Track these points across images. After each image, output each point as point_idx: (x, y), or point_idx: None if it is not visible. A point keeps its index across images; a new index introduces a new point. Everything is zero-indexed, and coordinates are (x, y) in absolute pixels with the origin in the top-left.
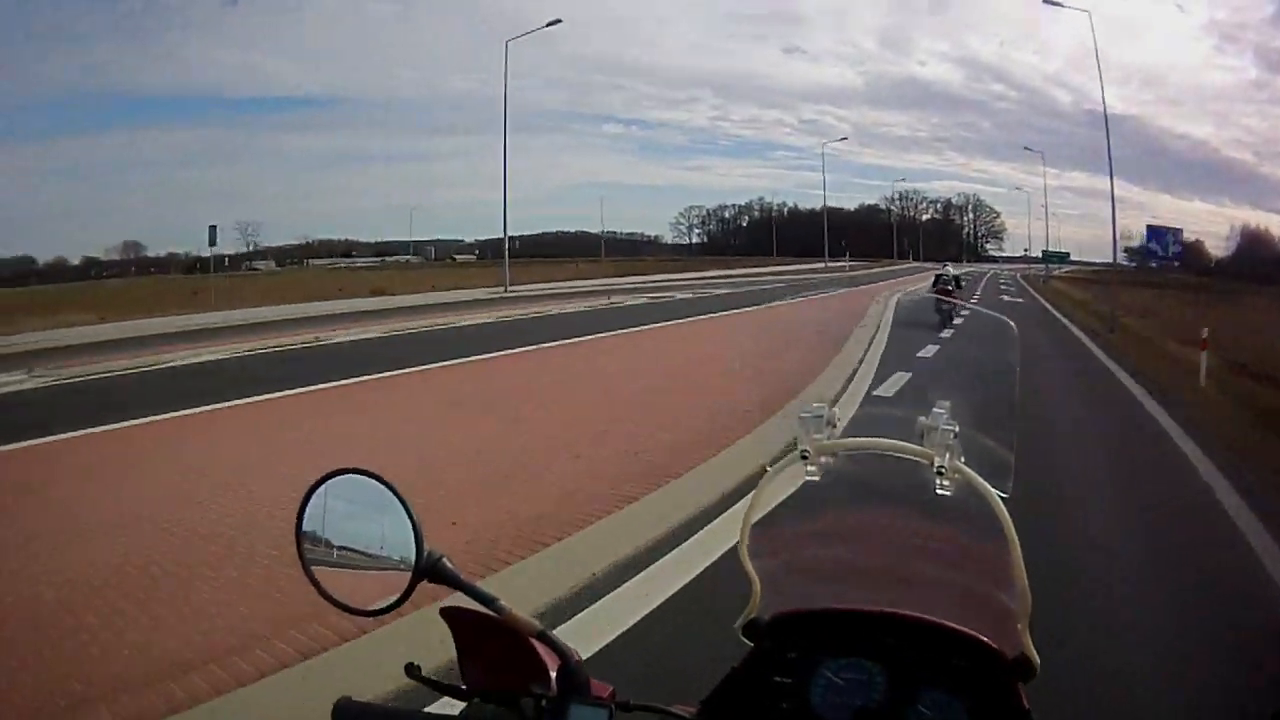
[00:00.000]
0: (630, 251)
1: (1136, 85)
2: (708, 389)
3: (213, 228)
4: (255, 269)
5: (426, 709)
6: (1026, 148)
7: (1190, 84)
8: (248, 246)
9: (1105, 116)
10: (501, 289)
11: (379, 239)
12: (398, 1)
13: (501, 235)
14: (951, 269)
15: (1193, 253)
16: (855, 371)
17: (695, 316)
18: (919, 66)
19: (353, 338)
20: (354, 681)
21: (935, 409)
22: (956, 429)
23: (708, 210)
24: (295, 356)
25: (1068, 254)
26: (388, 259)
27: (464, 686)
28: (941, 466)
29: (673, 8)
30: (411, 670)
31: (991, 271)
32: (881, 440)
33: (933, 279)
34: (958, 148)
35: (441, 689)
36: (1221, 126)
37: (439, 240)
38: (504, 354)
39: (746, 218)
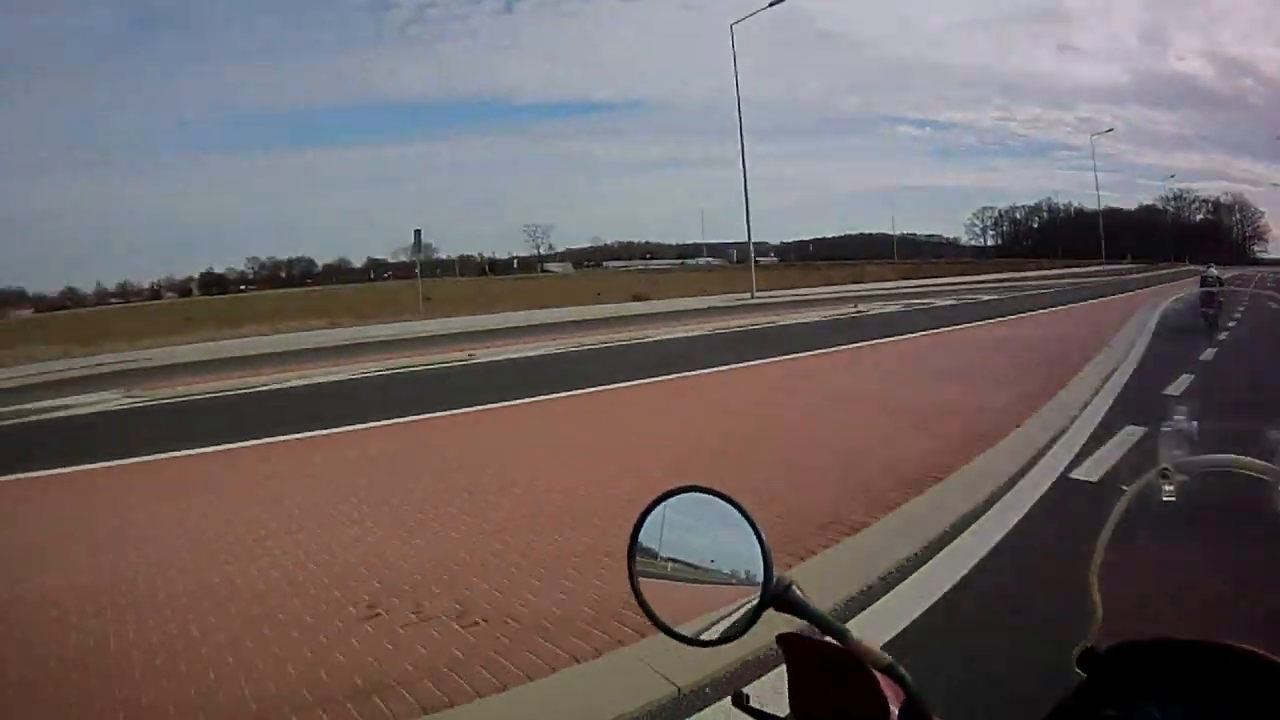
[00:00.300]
0: (931, 253)
1: None
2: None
3: (417, 232)
4: (549, 270)
5: None
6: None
7: None
8: (536, 249)
9: None
10: (748, 295)
11: (681, 241)
12: (683, 8)
13: (800, 239)
14: (1215, 269)
15: None
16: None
17: (919, 332)
18: (1178, 62)
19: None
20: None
21: None
22: None
23: (999, 211)
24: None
25: None
26: (686, 262)
27: (791, 717)
28: None
29: (950, 6)
30: (739, 700)
31: (1259, 276)
32: (1247, 459)
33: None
34: (1221, 145)
35: None
36: None
37: (740, 243)
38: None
39: (1036, 219)
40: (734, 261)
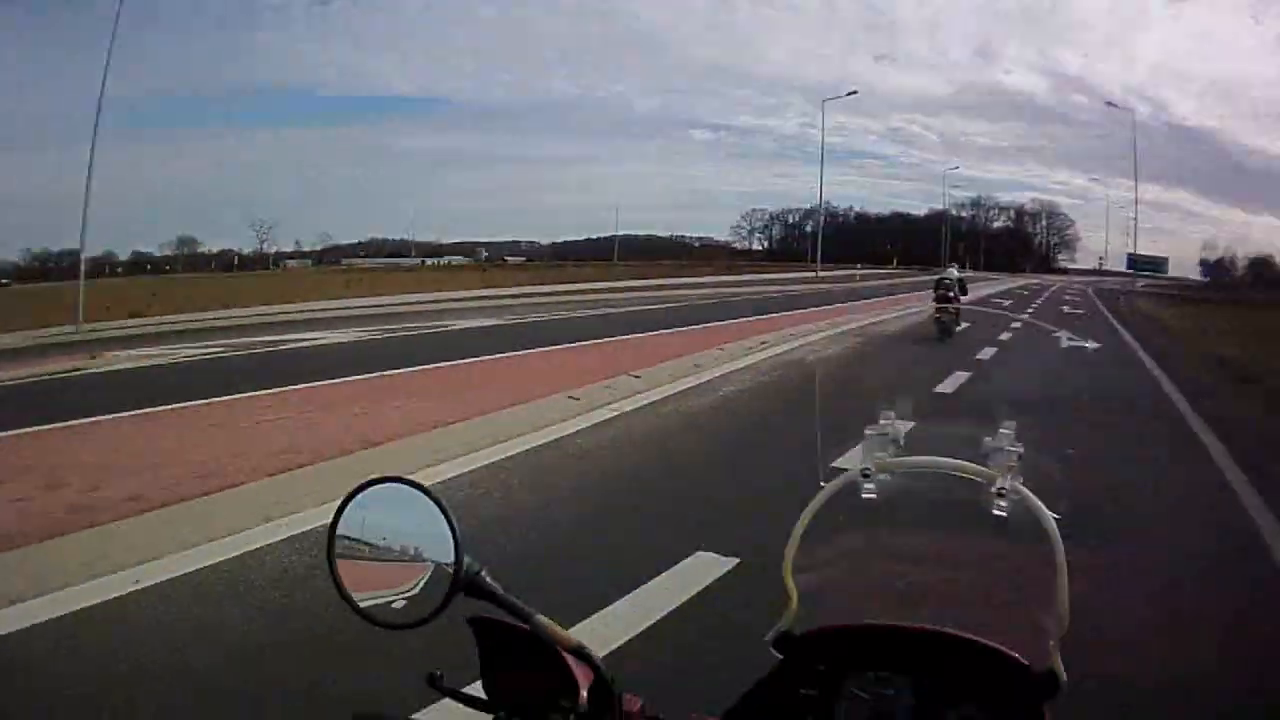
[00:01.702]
0: (699, 256)
1: (1213, 98)
2: None
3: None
4: (287, 266)
5: None
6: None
7: (1270, 97)
8: (260, 245)
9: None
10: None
11: (447, 240)
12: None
13: (581, 239)
14: (955, 272)
15: (1266, 267)
16: None
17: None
18: (1005, 75)
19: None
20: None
21: (1001, 429)
22: (1021, 450)
23: (770, 214)
24: None
25: (1164, 260)
26: (437, 260)
27: (486, 698)
28: (1003, 488)
29: (771, 14)
30: (434, 680)
31: (1059, 284)
32: (946, 460)
33: (934, 284)
34: (1039, 159)
35: (465, 700)
36: None
37: (498, 242)
38: None
39: (810, 222)
40: (482, 259)
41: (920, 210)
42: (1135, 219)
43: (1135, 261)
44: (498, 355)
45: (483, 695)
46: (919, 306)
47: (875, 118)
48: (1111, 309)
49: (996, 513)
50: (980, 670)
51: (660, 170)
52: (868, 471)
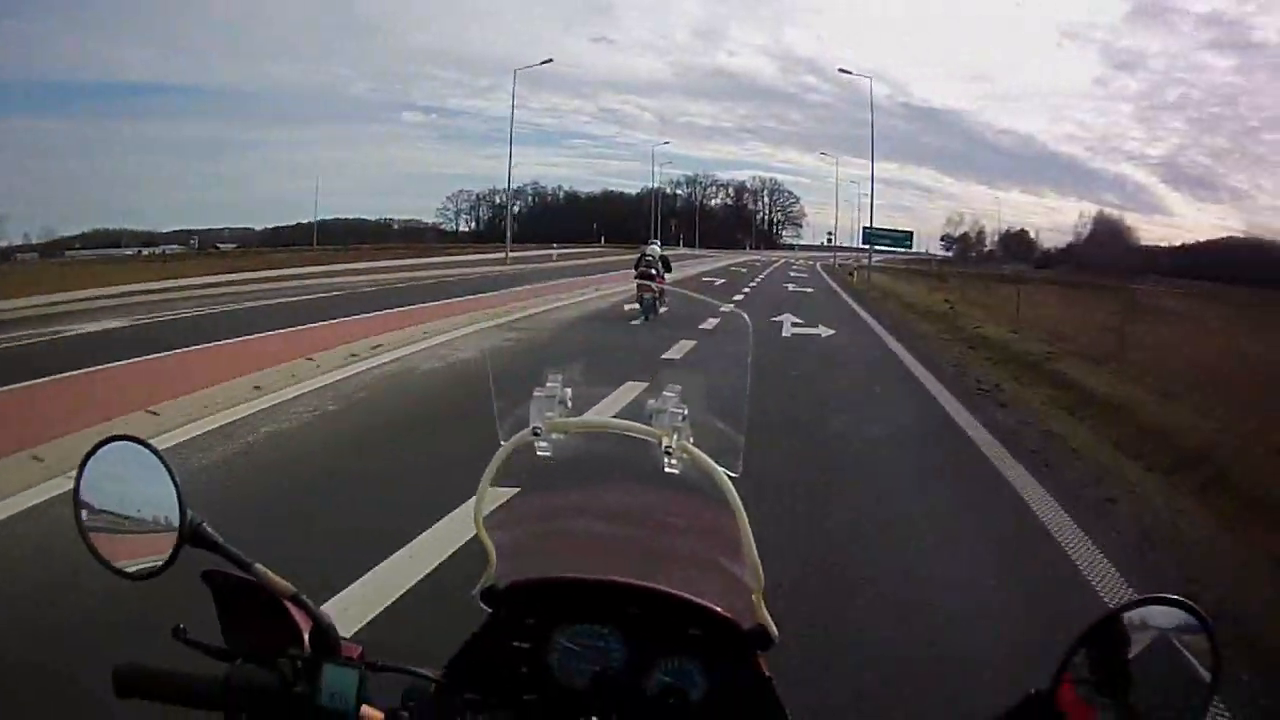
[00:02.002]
0: (403, 239)
1: (964, 80)
2: None
3: None
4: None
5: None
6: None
7: (1023, 81)
8: None
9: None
10: None
11: (163, 230)
12: None
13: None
14: (658, 248)
15: (1017, 242)
16: None
17: None
18: (729, 58)
19: None
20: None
21: (666, 391)
22: (685, 411)
23: (477, 195)
24: None
25: (908, 234)
26: (153, 250)
27: (226, 648)
28: (669, 447)
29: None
30: (178, 632)
31: (783, 260)
32: (612, 420)
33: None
34: (764, 138)
35: (205, 650)
36: (1054, 122)
37: (214, 230)
38: None
39: (518, 203)
40: (194, 248)
41: (634, 189)
42: (871, 189)
43: (872, 235)
44: None
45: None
46: (617, 288)
47: (590, 99)
48: (844, 285)
49: (669, 470)
50: (689, 625)
51: (372, 154)
52: (538, 430)
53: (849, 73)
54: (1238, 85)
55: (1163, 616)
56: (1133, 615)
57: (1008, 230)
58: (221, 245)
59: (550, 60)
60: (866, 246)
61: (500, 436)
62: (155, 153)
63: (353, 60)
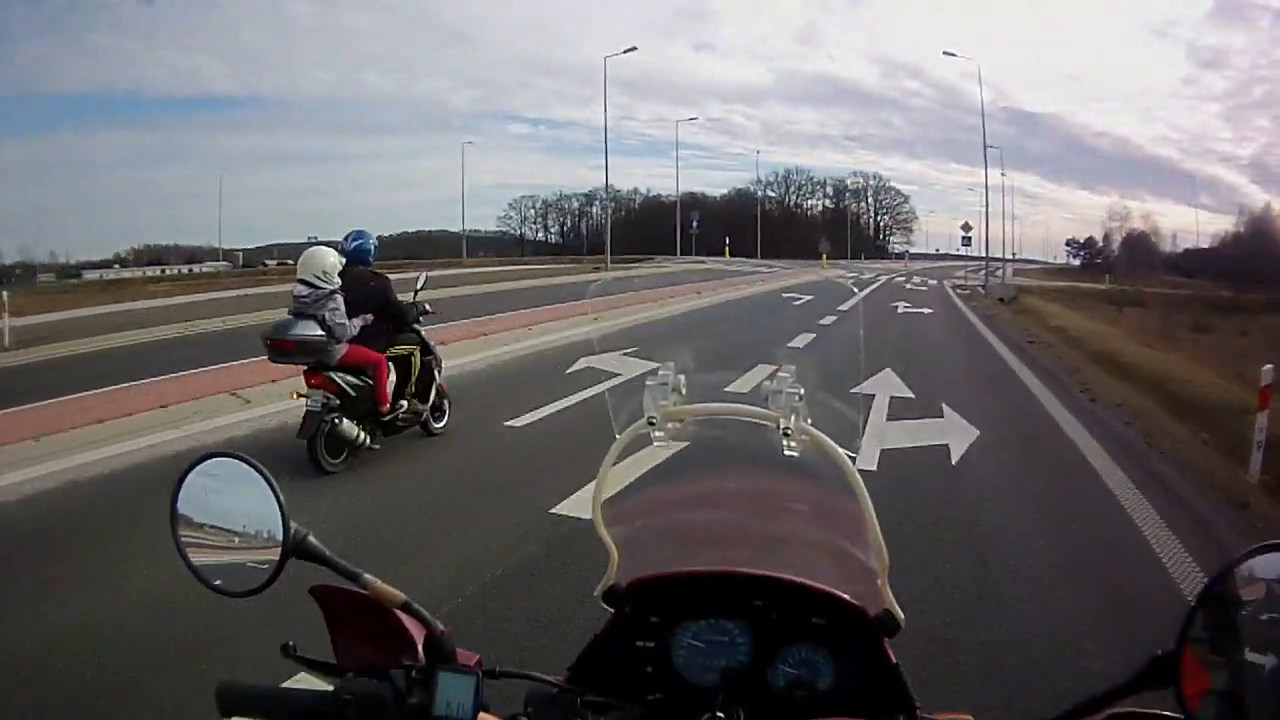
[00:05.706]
0: (494, 249)
1: (1059, 80)
2: None
3: None
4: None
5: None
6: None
7: (1115, 81)
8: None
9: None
10: None
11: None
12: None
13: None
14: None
15: (1141, 247)
16: None
17: None
18: (829, 62)
19: None
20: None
21: (780, 373)
22: (801, 391)
23: (544, 201)
24: None
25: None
26: (195, 268)
27: (336, 663)
28: (788, 428)
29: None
30: (287, 650)
31: (884, 278)
32: (727, 405)
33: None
34: (867, 145)
35: (315, 666)
36: (1146, 123)
37: (271, 246)
38: None
39: (593, 210)
40: (239, 266)
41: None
42: (986, 195)
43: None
44: None
45: (334, 660)
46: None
47: (696, 107)
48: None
49: (788, 453)
50: (814, 613)
51: (471, 164)
52: (653, 419)
53: (953, 54)
54: None
55: (1267, 566)
56: (1242, 569)
57: (1128, 234)
58: (269, 261)
59: (635, 48)
60: (969, 255)
61: (615, 430)
62: (240, 169)
63: (450, 71)
